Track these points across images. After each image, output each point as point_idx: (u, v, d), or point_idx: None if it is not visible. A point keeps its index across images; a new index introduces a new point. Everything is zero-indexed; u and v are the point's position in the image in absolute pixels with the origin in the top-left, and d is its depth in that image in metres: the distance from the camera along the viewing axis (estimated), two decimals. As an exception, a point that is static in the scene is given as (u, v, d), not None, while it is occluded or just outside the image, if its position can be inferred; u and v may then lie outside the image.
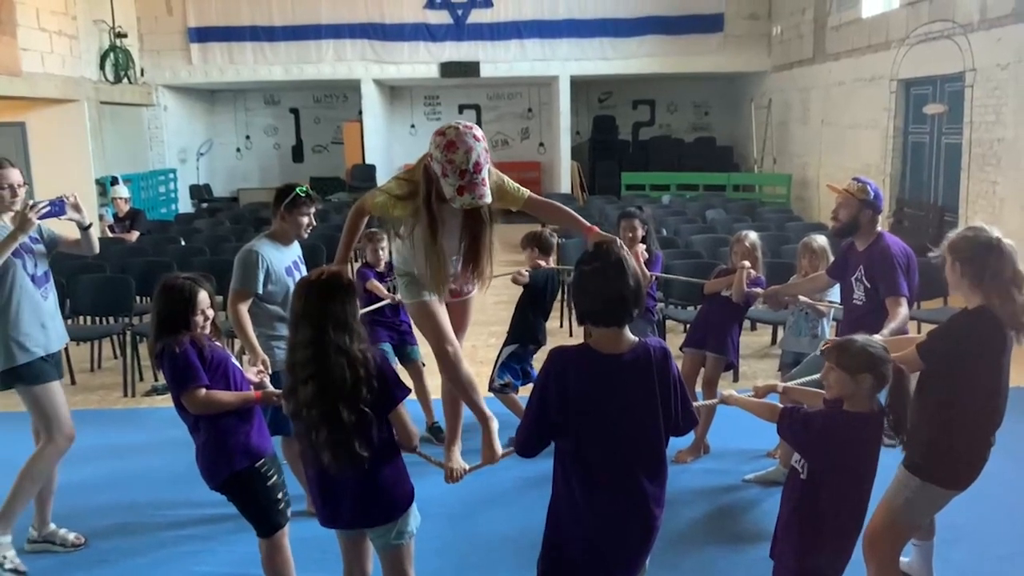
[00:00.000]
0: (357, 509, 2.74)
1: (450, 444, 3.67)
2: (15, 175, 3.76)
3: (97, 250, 4.14)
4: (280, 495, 3.14)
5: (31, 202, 3.72)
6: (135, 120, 15.60)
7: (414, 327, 3.60)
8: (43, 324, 3.83)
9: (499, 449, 3.34)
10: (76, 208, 3.87)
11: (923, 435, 2.87)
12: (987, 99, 9.14)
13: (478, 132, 2.99)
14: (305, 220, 4.06)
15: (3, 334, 3.71)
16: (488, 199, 3.00)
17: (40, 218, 3.70)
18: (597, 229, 2.96)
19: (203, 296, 3.07)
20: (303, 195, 4.01)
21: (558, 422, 2.45)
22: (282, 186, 4.11)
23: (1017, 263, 2.84)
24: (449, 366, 3.37)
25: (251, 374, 3.32)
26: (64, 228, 4.07)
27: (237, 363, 3.23)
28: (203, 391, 2.99)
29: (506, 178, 3.21)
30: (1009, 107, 8.77)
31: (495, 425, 3.38)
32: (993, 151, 9.08)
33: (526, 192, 3.25)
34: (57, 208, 3.76)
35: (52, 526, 4.01)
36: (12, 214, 3.75)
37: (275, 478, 3.12)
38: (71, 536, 4.01)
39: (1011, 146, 8.77)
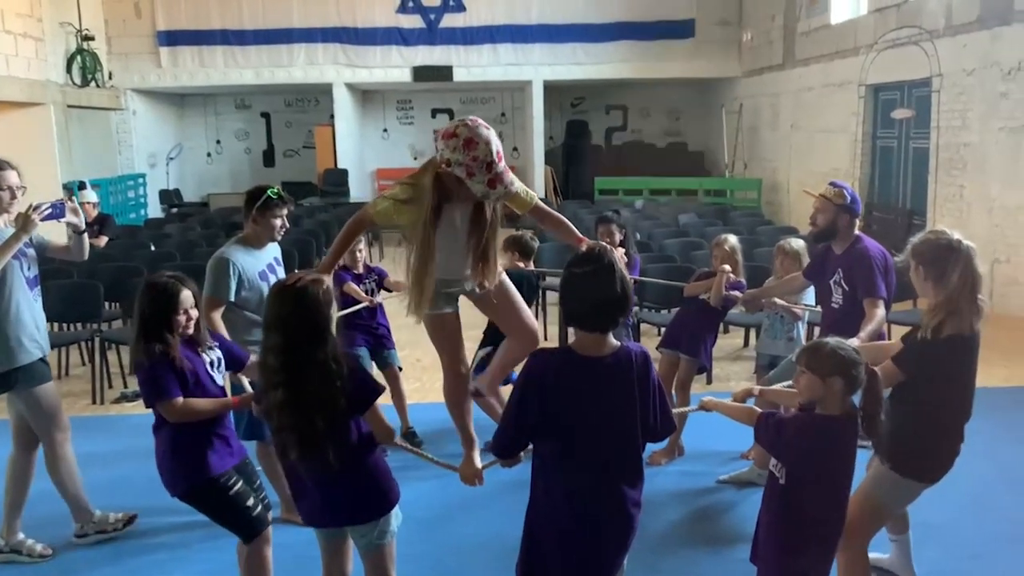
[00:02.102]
0: (343, 507, 2.72)
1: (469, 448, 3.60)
2: (14, 177, 3.78)
3: (87, 256, 4.15)
4: (249, 502, 3.08)
5: (33, 204, 3.74)
6: (103, 124, 15.39)
7: (426, 333, 3.44)
8: (38, 326, 3.87)
9: (478, 463, 3.29)
10: (74, 212, 3.91)
11: (900, 432, 2.90)
12: (953, 104, 9.30)
13: (483, 122, 2.94)
14: (278, 222, 4.01)
15: (5, 333, 3.71)
16: (517, 183, 2.94)
17: (41, 220, 3.72)
18: (588, 240, 2.97)
19: (186, 295, 3.03)
20: (275, 197, 3.95)
21: (537, 424, 2.45)
22: (253, 188, 4.04)
23: (977, 264, 2.89)
24: (457, 387, 3.32)
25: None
26: (50, 233, 4.08)
27: (210, 371, 3.17)
28: (180, 401, 2.96)
29: (515, 179, 3.17)
30: (975, 112, 8.92)
31: (477, 450, 3.33)
32: (960, 155, 9.23)
33: (535, 196, 3.22)
34: (58, 211, 3.81)
35: (20, 535, 3.94)
36: (8, 216, 3.78)
37: (238, 486, 3.06)
38: (38, 547, 3.94)
39: (977, 150, 8.92)
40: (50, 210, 3.76)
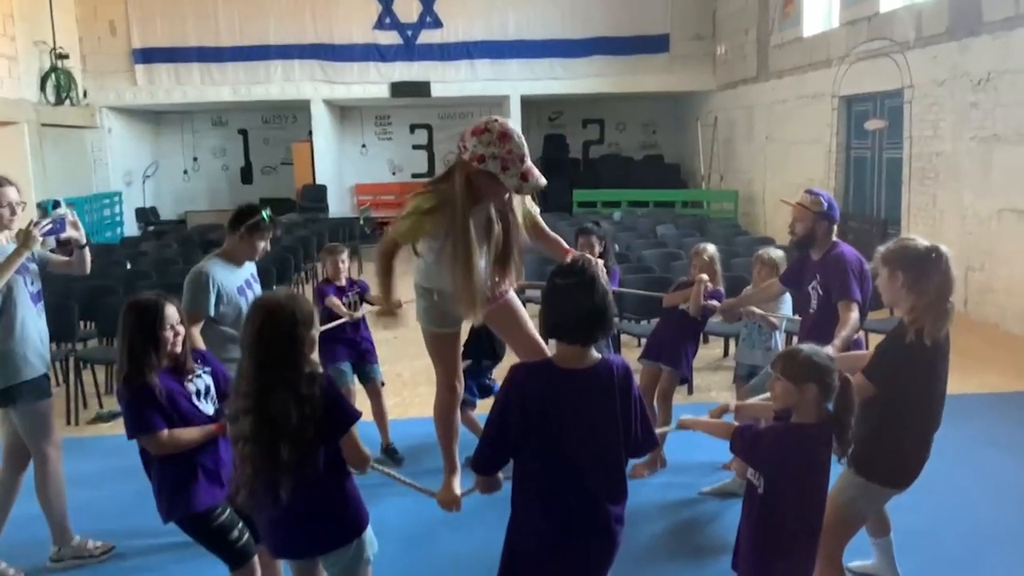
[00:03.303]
0: (309, 535, 2.64)
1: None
2: (13, 193, 3.79)
3: (88, 270, 4.17)
4: (233, 534, 3.00)
5: (34, 219, 3.75)
6: (78, 142, 15.27)
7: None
8: (42, 340, 3.90)
9: (458, 489, 3.27)
10: (75, 226, 3.93)
11: (867, 438, 2.92)
12: (925, 114, 9.42)
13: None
14: (263, 245, 4.01)
15: (11, 348, 3.73)
16: (544, 179, 2.92)
17: (43, 235, 3.74)
18: (574, 252, 2.96)
19: (171, 311, 2.96)
20: (267, 221, 3.95)
21: (518, 439, 2.43)
22: (246, 206, 4.02)
23: (951, 270, 2.93)
24: (449, 404, 3.31)
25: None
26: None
27: (195, 401, 3.07)
28: (164, 433, 2.89)
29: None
30: (946, 122, 9.05)
31: (458, 476, 3.31)
32: (932, 165, 9.35)
33: (537, 212, 3.21)
34: (59, 226, 3.84)
35: (-6, 560, 3.88)
36: (9, 232, 3.79)
37: (221, 519, 2.98)
38: (11, 572, 3.87)
39: (949, 160, 9.04)
40: (51, 225, 3.79)
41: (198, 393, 3.06)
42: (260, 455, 2.48)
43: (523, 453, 2.46)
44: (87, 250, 4.06)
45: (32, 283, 3.87)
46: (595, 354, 2.47)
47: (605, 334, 2.47)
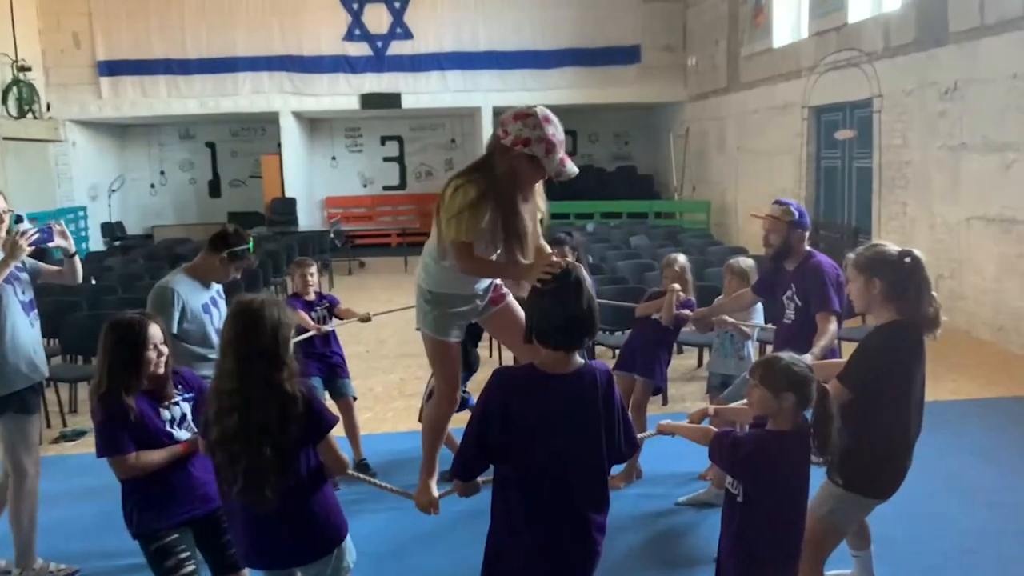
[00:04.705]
0: (291, 544, 2.60)
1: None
2: (0, 201, 3.73)
3: (80, 279, 4.12)
4: (169, 562, 2.86)
5: (20, 228, 3.72)
6: (41, 156, 15.01)
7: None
8: (35, 349, 3.84)
9: (435, 491, 3.20)
10: (63, 235, 3.89)
11: (847, 447, 2.89)
12: (894, 124, 9.52)
13: None
14: (235, 273, 3.98)
15: (4, 357, 3.67)
16: (576, 168, 2.88)
17: (30, 245, 3.70)
18: (557, 257, 2.92)
19: (155, 330, 2.88)
20: (251, 252, 3.93)
21: (498, 443, 2.39)
22: (233, 231, 3.94)
23: (926, 272, 2.95)
24: (446, 415, 3.30)
25: None
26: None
27: (170, 429, 2.95)
28: (132, 457, 2.82)
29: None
30: (915, 131, 9.14)
31: (435, 479, 3.27)
32: (902, 173, 9.44)
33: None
34: (46, 235, 3.81)
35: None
36: None
37: (159, 544, 2.86)
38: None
39: (918, 168, 9.13)
40: (38, 235, 3.75)
41: (173, 421, 2.96)
42: (245, 453, 2.47)
43: (504, 459, 2.43)
44: (77, 258, 4.01)
45: (23, 292, 3.82)
46: (578, 359, 2.44)
47: (590, 338, 2.43)
